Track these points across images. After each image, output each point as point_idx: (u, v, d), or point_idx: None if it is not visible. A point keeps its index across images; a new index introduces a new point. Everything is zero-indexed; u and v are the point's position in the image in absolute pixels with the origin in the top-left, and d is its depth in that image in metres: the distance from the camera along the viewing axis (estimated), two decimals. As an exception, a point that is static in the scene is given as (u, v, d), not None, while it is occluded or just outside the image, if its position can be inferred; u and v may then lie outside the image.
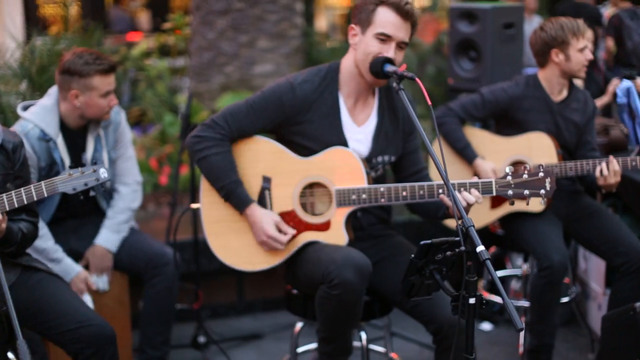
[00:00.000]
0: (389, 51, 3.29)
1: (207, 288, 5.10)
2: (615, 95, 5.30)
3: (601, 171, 3.97)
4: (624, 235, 4.23)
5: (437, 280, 2.98)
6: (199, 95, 6.81)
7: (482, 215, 4.29)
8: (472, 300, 2.76)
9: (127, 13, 16.82)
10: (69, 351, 3.43)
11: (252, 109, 3.46)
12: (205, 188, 3.55)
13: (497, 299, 4.66)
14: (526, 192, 3.25)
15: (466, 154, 4.32)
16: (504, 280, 5.07)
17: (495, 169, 4.24)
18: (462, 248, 2.73)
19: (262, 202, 3.49)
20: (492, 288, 4.73)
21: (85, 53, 4.12)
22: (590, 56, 4.26)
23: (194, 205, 4.42)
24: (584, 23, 4.28)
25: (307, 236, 3.46)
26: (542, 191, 3.24)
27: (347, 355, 3.47)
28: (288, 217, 3.47)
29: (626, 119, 5.06)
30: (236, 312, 5.42)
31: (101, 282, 4.20)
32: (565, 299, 4.56)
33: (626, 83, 5.02)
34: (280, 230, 3.45)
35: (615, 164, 3.94)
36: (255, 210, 3.43)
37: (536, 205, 4.12)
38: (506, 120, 4.32)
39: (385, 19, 3.31)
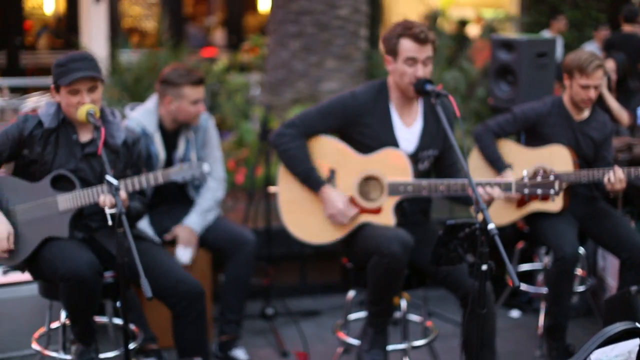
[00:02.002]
0: (418, 71, 4.15)
1: (275, 271, 5.92)
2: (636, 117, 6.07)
3: (609, 178, 4.73)
4: (630, 234, 4.96)
5: (459, 252, 3.79)
6: (272, 107, 7.69)
7: (509, 213, 5.06)
8: (484, 267, 3.57)
9: (202, 30, 17.78)
10: (167, 303, 4.27)
11: (322, 112, 4.34)
12: (282, 176, 4.40)
13: (523, 287, 5.43)
14: (539, 191, 4.07)
15: (497, 166, 5.04)
16: (532, 273, 5.84)
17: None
18: (477, 225, 3.55)
19: None
20: (518, 277, 5.50)
21: (180, 67, 5.04)
22: (591, 96, 4.90)
23: (271, 189, 5.24)
24: (598, 66, 4.86)
25: (363, 218, 4.29)
26: (552, 191, 4.06)
27: (389, 317, 4.29)
28: (349, 201, 4.30)
29: (644, 139, 5.81)
30: (299, 293, 6.27)
31: (185, 255, 4.99)
32: (581, 288, 5.34)
33: (644, 106, 5.78)
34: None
35: (620, 172, 4.68)
36: (328, 189, 4.28)
37: (554, 206, 4.91)
38: (534, 134, 5.09)
39: (408, 47, 4.17)
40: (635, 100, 6.45)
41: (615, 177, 4.68)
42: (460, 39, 9.02)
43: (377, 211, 4.27)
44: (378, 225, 4.24)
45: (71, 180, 4.07)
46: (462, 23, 13.26)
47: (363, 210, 4.30)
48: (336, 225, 4.33)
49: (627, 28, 9.80)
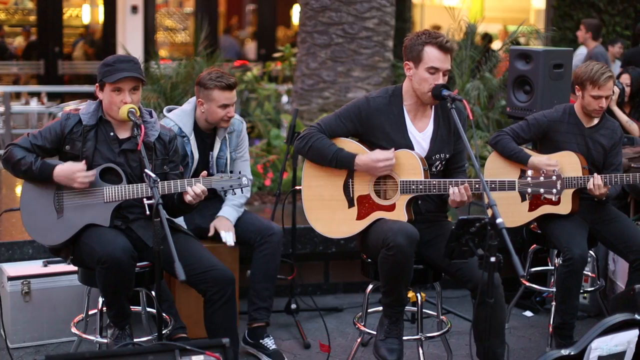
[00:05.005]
0: (439, 80, 4.40)
1: (299, 269, 6.18)
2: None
3: (590, 185, 5.00)
4: (638, 237, 5.19)
5: (471, 246, 4.05)
6: (300, 115, 8.00)
7: (522, 216, 5.30)
8: (492, 259, 3.83)
9: (236, 42, 18.13)
10: (199, 289, 4.57)
11: (339, 117, 4.61)
12: (305, 175, 4.69)
13: (535, 286, 5.68)
14: (542, 190, 4.32)
15: (521, 157, 5.24)
16: (545, 274, 6.09)
17: (549, 158, 5.16)
18: (487, 220, 3.82)
19: (347, 188, 4.62)
20: (531, 278, 5.77)
21: (214, 71, 5.29)
22: (602, 105, 5.18)
23: (297, 187, 5.55)
24: (608, 77, 5.14)
25: (378, 214, 4.56)
26: (554, 190, 4.31)
27: (403, 306, 4.54)
28: (364, 199, 4.58)
29: (656, 149, 6.04)
30: (322, 291, 6.56)
31: (230, 237, 5.26)
32: (590, 289, 5.60)
33: (655, 118, 6.01)
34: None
35: (598, 179, 4.97)
36: (360, 157, 4.51)
37: (564, 209, 5.16)
38: (546, 141, 5.34)
39: (433, 55, 4.40)
40: (647, 113, 6.69)
41: (595, 183, 4.96)
42: (485, 51, 9.25)
43: (391, 208, 4.54)
44: (386, 220, 4.49)
45: (118, 174, 4.40)
46: (487, 36, 13.51)
47: (378, 208, 4.57)
48: (353, 222, 4.60)
49: (642, 43, 10.10)
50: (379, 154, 4.48)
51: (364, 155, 4.52)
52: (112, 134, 4.46)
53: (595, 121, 5.32)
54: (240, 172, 4.42)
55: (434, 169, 4.61)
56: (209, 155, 5.37)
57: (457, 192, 4.35)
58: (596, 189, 4.97)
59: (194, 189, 4.29)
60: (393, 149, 4.49)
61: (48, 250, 4.70)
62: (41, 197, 4.46)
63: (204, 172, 4.39)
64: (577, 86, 5.22)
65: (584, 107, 5.24)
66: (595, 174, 5.00)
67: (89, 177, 4.35)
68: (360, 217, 4.62)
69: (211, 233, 5.33)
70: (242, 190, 4.43)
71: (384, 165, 4.46)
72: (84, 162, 4.37)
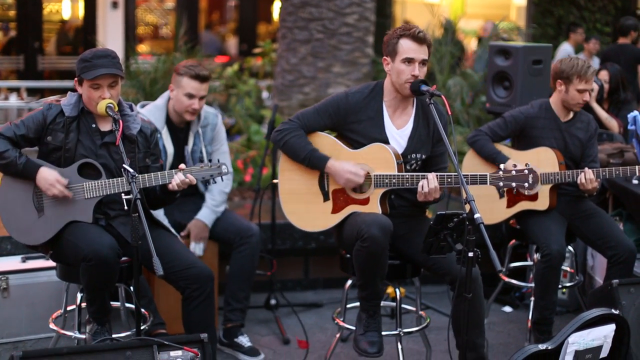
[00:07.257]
0: (415, 70, 4.42)
1: (279, 265, 6.18)
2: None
3: (581, 179, 5.00)
4: (615, 232, 5.23)
5: (449, 242, 4.06)
6: (280, 110, 7.99)
7: (500, 212, 5.32)
8: (470, 254, 3.85)
9: (217, 37, 18.10)
10: (178, 287, 4.54)
11: (317, 111, 4.62)
12: (282, 169, 4.70)
13: (514, 282, 5.69)
14: (513, 184, 4.32)
15: (498, 159, 5.27)
16: (524, 270, 6.12)
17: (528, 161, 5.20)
18: (464, 215, 3.83)
19: (322, 181, 4.62)
20: (510, 274, 5.78)
21: (192, 61, 5.36)
22: (586, 99, 5.22)
23: (275, 181, 5.55)
24: (593, 72, 5.20)
25: (352, 208, 4.56)
26: (526, 184, 4.30)
27: (379, 300, 4.54)
28: (339, 193, 4.58)
29: (635, 143, 6.06)
30: (301, 287, 6.56)
31: (198, 248, 5.32)
32: (569, 284, 5.62)
33: (634, 113, 6.04)
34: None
35: (590, 173, 4.97)
36: (333, 162, 4.53)
37: (541, 204, 5.19)
38: (523, 137, 5.35)
39: (407, 46, 4.43)
40: (625, 110, 6.72)
41: (586, 178, 4.97)
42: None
43: (365, 202, 4.54)
44: (360, 213, 4.50)
45: (97, 169, 4.38)
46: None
47: (352, 202, 4.58)
48: (328, 215, 4.61)
49: (621, 40, 10.15)
50: (351, 166, 4.51)
51: (337, 162, 4.55)
52: (93, 125, 4.44)
53: (571, 115, 5.34)
54: (219, 160, 4.40)
55: (408, 167, 4.61)
56: (183, 149, 5.36)
57: (425, 182, 4.36)
58: (588, 183, 4.98)
59: (175, 179, 4.29)
60: (365, 172, 4.51)
61: (26, 246, 4.66)
62: (20, 197, 4.42)
63: (182, 165, 4.38)
64: (560, 80, 5.22)
65: (566, 101, 5.24)
66: (586, 168, 5.00)
67: (64, 193, 4.33)
68: (335, 210, 4.63)
69: (184, 233, 5.35)
70: (222, 178, 4.39)
71: (349, 177, 4.50)
72: (67, 180, 4.34)
